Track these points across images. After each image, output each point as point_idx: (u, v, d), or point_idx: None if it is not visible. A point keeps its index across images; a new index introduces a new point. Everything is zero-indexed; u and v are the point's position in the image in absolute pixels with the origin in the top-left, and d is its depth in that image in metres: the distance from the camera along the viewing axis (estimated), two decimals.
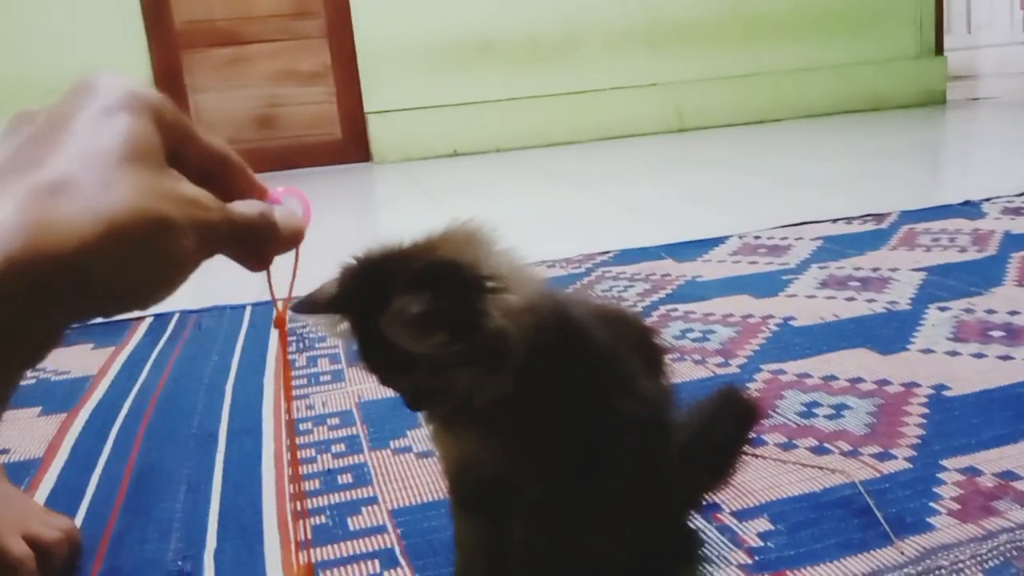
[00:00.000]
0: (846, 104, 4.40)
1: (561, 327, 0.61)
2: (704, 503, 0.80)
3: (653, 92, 4.17)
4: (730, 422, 0.84)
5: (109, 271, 0.36)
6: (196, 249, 0.39)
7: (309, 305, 0.60)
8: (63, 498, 0.94)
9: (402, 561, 0.77)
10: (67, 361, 1.41)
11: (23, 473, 1.00)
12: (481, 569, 0.68)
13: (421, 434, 1.02)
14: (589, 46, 4.09)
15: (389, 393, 1.14)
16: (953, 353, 1.14)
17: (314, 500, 0.89)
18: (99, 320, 0.50)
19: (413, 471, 0.94)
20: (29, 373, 1.30)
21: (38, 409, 1.21)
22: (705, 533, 0.78)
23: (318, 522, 0.85)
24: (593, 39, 4.09)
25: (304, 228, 0.47)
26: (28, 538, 0.77)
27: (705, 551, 0.75)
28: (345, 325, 0.59)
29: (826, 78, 4.37)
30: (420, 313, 0.53)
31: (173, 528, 0.86)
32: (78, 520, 0.89)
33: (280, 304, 0.55)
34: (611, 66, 4.12)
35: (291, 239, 0.46)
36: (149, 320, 1.60)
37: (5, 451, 1.07)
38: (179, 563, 0.79)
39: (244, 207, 0.43)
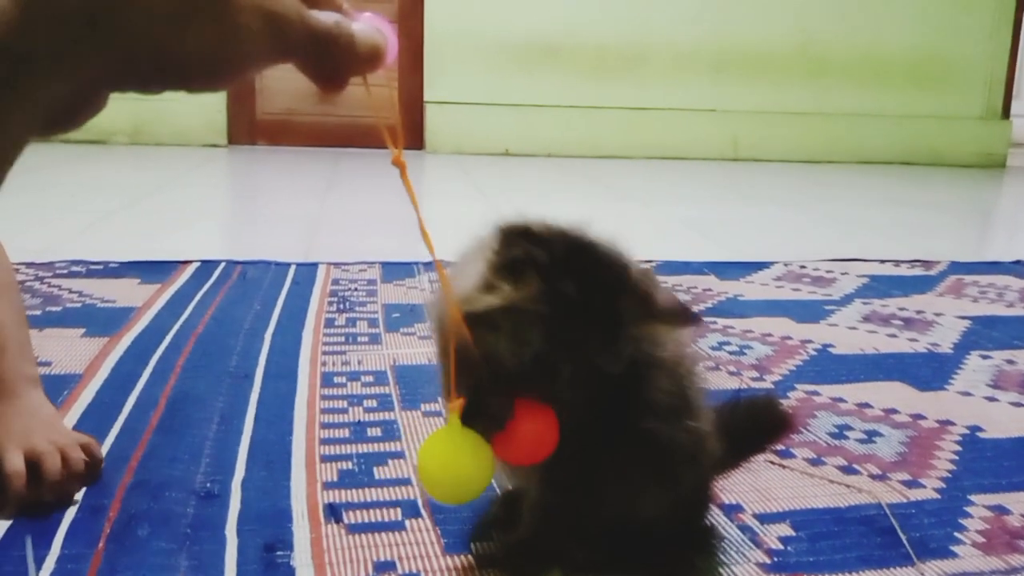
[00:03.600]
0: (903, 156, 4.37)
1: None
2: (720, 499, 0.81)
3: (711, 118, 4.17)
4: (761, 425, 0.85)
5: (151, 13, 0.33)
6: (262, 39, 0.37)
7: (531, 260, 0.58)
8: (99, 413, 0.96)
9: (424, 513, 0.78)
10: (113, 291, 1.44)
11: (62, 386, 1.03)
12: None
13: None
14: (654, 64, 4.09)
15: (423, 359, 1.17)
16: (991, 399, 1.13)
17: (343, 447, 0.90)
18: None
19: None
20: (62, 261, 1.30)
21: (82, 330, 1.24)
22: (724, 529, 0.78)
23: (345, 467, 0.86)
24: (659, 58, 4.09)
25: (384, 50, 0.42)
26: (29, 454, 0.77)
27: (723, 546, 0.76)
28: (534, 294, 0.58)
29: (887, 127, 4.34)
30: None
31: (204, 453, 0.87)
32: (112, 435, 0.91)
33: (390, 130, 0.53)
34: (673, 87, 4.12)
35: (369, 58, 0.42)
36: (196, 265, 1.63)
37: (47, 363, 1.10)
38: (208, 485, 0.81)
39: (321, 15, 0.40)
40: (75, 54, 0.33)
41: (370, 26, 0.42)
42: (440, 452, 0.62)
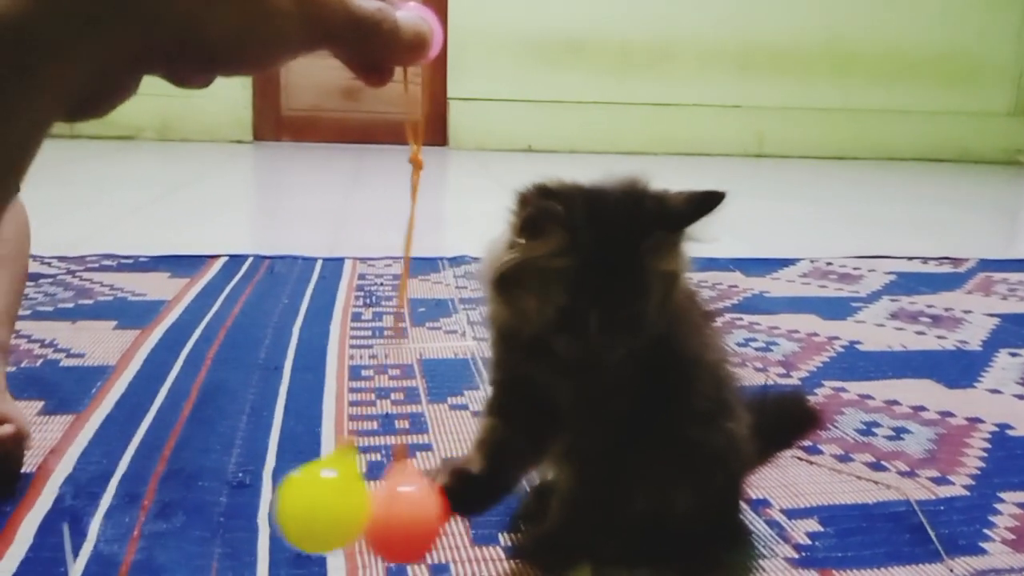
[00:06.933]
0: (930, 152, 4.33)
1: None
2: (748, 494, 0.81)
3: (736, 114, 4.15)
4: (788, 421, 0.85)
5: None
6: (298, 22, 0.35)
7: (553, 217, 0.58)
8: (132, 403, 0.98)
9: None
10: (144, 285, 1.46)
11: (95, 378, 1.04)
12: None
13: (479, 395, 1.04)
14: (679, 60, 4.08)
15: (449, 353, 1.17)
16: (1021, 397, 1.12)
17: (371, 439, 0.91)
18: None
19: (469, 427, 0.95)
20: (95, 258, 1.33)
21: (114, 323, 1.26)
22: (752, 524, 0.78)
23: (373, 459, 0.87)
24: (684, 54, 4.08)
25: (430, 40, 0.40)
26: None
27: (751, 541, 0.76)
28: (557, 248, 0.58)
29: (913, 124, 4.30)
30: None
31: (235, 443, 0.88)
32: (144, 425, 0.92)
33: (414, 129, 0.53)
34: (698, 83, 4.10)
35: (414, 47, 0.39)
36: (224, 259, 1.65)
37: (80, 355, 1.12)
38: (240, 475, 0.82)
39: (363, 1, 0.37)
40: (96, 36, 0.32)
41: (415, 15, 0.39)
42: (302, 493, 0.52)
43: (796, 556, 0.73)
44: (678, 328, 0.66)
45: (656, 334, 0.61)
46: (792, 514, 0.80)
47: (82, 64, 0.32)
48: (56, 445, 0.86)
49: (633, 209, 0.59)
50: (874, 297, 1.60)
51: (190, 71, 0.36)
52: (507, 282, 0.60)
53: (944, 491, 0.85)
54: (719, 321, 0.75)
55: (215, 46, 0.34)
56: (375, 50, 0.38)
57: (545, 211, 0.57)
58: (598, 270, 0.58)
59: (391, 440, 0.91)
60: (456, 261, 1.72)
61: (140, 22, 0.33)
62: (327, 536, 0.52)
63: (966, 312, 1.51)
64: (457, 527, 0.75)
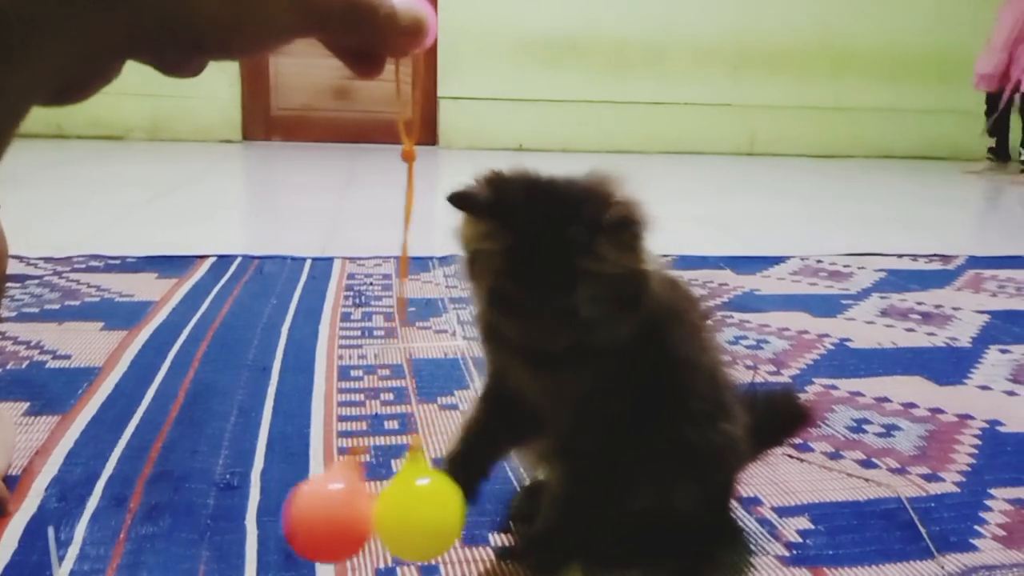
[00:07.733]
0: (924, 151, 4.34)
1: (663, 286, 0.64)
2: (739, 492, 0.81)
3: (729, 113, 4.15)
4: (779, 419, 0.85)
5: None
6: (292, 5, 0.34)
7: (465, 202, 0.58)
8: (119, 405, 0.97)
9: None
10: (131, 286, 1.45)
11: (81, 379, 1.03)
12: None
13: (468, 395, 1.03)
14: (673, 59, 4.08)
15: (439, 354, 1.17)
16: (1011, 393, 1.12)
17: (361, 440, 0.91)
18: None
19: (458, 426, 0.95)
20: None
21: (100, 324, 1.25)
22: (743, 522, 0.78)
23: (363, 460, 0.86)
24: (678, 53, 4.08)
25: (427, 26, 0.38)
26: None
27: (742, 539, 0.75)
28: (486, 232, 0.59)
29: (907, 122, 4.31)
30: (636, 231, 0.58)
31: (223, 445, 0.88)
32: (131, 427, 0.91)
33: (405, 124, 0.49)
34: (692, 82, 4.11)
35: (411, 32, 0.37)
36: (212, 259, 1.64)
37: (67, 356, 1.11)
38: (228, 476, 0.81)
39: None
40: (81, 19, 0.31)
41: (411, 1, 0.38)
42: (401, 502, 0.52)
43: (787, 554, 0.73)
44: (676, 329, 0.66)
45: (616, 332, 0.60)
46: (783, 512, 0.80)
47: (65, 49, 0.31)
48: (42, 446, 0.86)
49: (567, 207, 0.58)
50: (864, 294, 1.60)
51: (178, 57, 0.35)
52: (469, 263, 0.61)
53: (935, 488, 0.85)
54: (712, 320, 0.75)
55: (203, 31, 0.33)
56: (371, 36, 0.36)
57: (462, 197, 0.58)
58: (526, 258, 0.58)
59: (381, 441, 0.91)
60: (446, 260, 1.71)
61: (126, 5, 0.31)
62: (429, 546, 0.53)
63: (956, 309, 1.52)
64: None
